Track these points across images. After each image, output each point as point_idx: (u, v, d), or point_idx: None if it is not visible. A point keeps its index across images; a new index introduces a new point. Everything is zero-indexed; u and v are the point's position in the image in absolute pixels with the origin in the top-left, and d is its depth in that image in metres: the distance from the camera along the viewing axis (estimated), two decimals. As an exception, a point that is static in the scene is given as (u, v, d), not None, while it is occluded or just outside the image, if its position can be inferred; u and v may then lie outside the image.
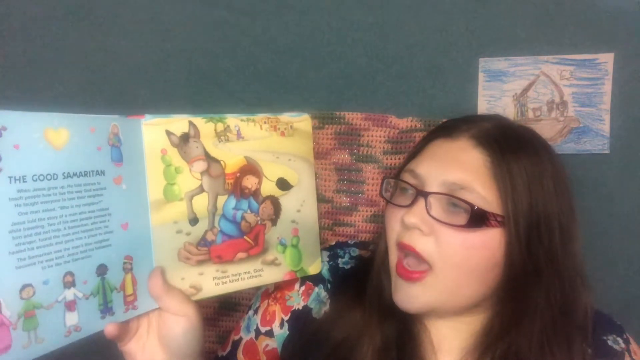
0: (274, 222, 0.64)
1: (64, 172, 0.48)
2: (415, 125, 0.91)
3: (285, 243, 0.65)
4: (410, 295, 0.61)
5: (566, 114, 0.89)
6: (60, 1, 0.99)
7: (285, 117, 0.65)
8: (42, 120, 0.47)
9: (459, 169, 0.60)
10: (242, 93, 0.96)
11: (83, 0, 0.99)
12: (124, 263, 0.54)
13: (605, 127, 0.88)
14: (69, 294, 0.49)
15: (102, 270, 0.52)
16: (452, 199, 0.59)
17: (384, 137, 0.92)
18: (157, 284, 0.56)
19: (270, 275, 0.64)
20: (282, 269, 0.65)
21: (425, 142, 0.67)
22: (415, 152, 0.67)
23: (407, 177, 0.64)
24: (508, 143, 0.62)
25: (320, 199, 0.94)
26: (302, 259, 0.67)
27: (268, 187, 0.63)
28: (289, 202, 0.65)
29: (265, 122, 0.63)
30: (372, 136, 0.93)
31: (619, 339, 0.66)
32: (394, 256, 0.63)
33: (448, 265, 0.59)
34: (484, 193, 0.59)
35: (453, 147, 0.63)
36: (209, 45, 0.96)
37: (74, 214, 0.49)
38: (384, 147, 0.93)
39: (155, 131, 0.56)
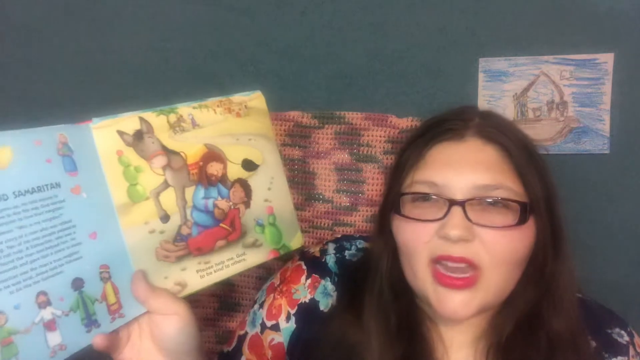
0: (247, 204, 0.63)
1: (14, 191, 0.46)
2: (415, 125, 0.91)
3: (263, 223, 0.64)
4: (463, 304, 0.58)
5: (566, 114, 0.89)
6: (60, 1, 0.99)
7: (238, 97, 0.64)
8: None
9: (485, 170, 0.59)
10: (242, 93, 0.96)
11: (83, 0, 0.99)
12: (101, 272, 0.52)
13: (605, 127, 0.88)
14: (46, 313, 0.47)
15: (78, 284, 0.50)
16: (499, 201, 0.58)
17: (384, 137, 0.92)
18: (141, 288, 0.54)
19: (254, 258, 0.63)
20: (265, 249, 0.64)
21: (423, 150, 0.64)
22: (416, 161, 0.64)
23: (423, 189, 0.61)
24: (508, 134, 0.63)
25: (320, 199, 0.94)
26: (282, 236, 0.66)
27: (234, 171, 0.62)
28: (258, 182, 0.64)
29: (218, 106, 0.62)
30: (372, 136, 0.93)
31: (622, 332, 0.66)
32: (424, 270, 0.60)
33: (496, 265, 0.58)
34: (514, 187, 0.59)
35: (464, 149, 0.62)
36: (209, 45, 0.96)
37: (35, 231, 0.48)
38: (384, 147, 0.93)
39: (106, 134, 0.54)
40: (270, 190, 0.65)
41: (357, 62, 0.93)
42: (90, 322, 0.51)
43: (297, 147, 0.94)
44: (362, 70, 0.93)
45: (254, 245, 0.63)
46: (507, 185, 0.59)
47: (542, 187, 0.61)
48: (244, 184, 0.63)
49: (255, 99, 0.65)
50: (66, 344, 0.49)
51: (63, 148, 0.51)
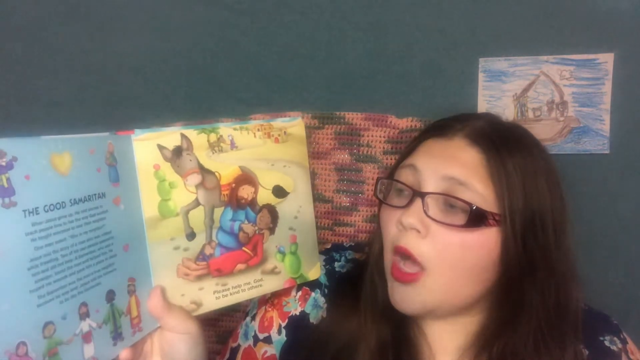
0: (271, 230, 0.63)
1: (70, 199, 0.45)
2: (415, 125, 0.91)
3: (284, 251, 0.64)
4: (406, 297, 0.60)
5: (566, 114, 0.89)
6: (60, 1, 0.99)
7: (279, 122, 0.63)
8: (47, 145, 0.44)
9: (458, 164, 0.60)
10: (242, 93, 0.96)
11: (83, 0, 0.99)
12: (128, 285, 0.52)
13: (605, 127, 0.88)
14: (85, 325, 0.47)
15: (110, 296, 0.50)
16: (450, 199, 0.59)
17: (384, 137, 0.92)
18: (158, 304, 0.54)
19: (271, 284, 0.63)
20: (282, 277, 0.64)
21: (418, 142, 0.66)
22: (409, 151, 0.67)
23: (404, 173, 0.64)
24: (502, 141, 0.62)
25: (320, 199, 0.94)
26: (301, 265, 0.66)
27: (264, 196, 0.62)
28: (285, 210, 0.64)
29: (258, 130, 0.62)
30: (372, 136, 0.93)
31: (615, 338, 0.66)
32: (389, 259, 0.62)
33: (444, 266, 0.59)
34: (482, 191, 0.59)
35: (448, 146, 0.63)
36: (209, 45, 0.96)
37: (83, 241, 0.47)
38: (384, 147, 0.93)
39: (146, 146, 0.54)
40: (297, 219, 0.65)
41: (357, 62, 0.93)
42: (117, 335, 0.50)
43: (297, 147, 0.94)
44: (362, 70, 0.93)
45: (273, 272, 0.63)
46: (475, 187, 0.59)
47: (523, 205, 0.59)
48: (271, 210, 0.63)
49: (296, 126, 0.65)
50: (98, 356, 0.48)
51: (110, 157, 0.50)
